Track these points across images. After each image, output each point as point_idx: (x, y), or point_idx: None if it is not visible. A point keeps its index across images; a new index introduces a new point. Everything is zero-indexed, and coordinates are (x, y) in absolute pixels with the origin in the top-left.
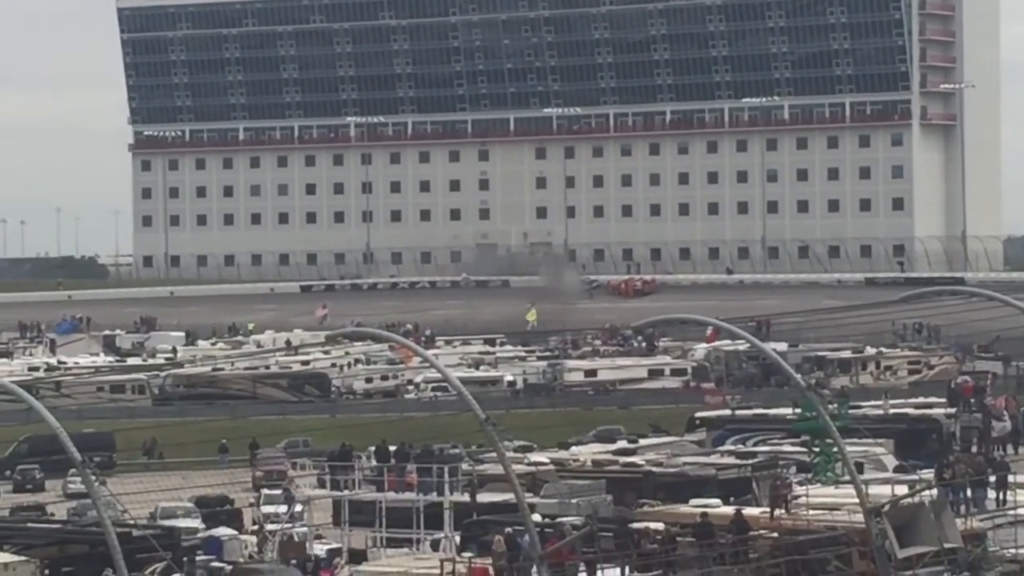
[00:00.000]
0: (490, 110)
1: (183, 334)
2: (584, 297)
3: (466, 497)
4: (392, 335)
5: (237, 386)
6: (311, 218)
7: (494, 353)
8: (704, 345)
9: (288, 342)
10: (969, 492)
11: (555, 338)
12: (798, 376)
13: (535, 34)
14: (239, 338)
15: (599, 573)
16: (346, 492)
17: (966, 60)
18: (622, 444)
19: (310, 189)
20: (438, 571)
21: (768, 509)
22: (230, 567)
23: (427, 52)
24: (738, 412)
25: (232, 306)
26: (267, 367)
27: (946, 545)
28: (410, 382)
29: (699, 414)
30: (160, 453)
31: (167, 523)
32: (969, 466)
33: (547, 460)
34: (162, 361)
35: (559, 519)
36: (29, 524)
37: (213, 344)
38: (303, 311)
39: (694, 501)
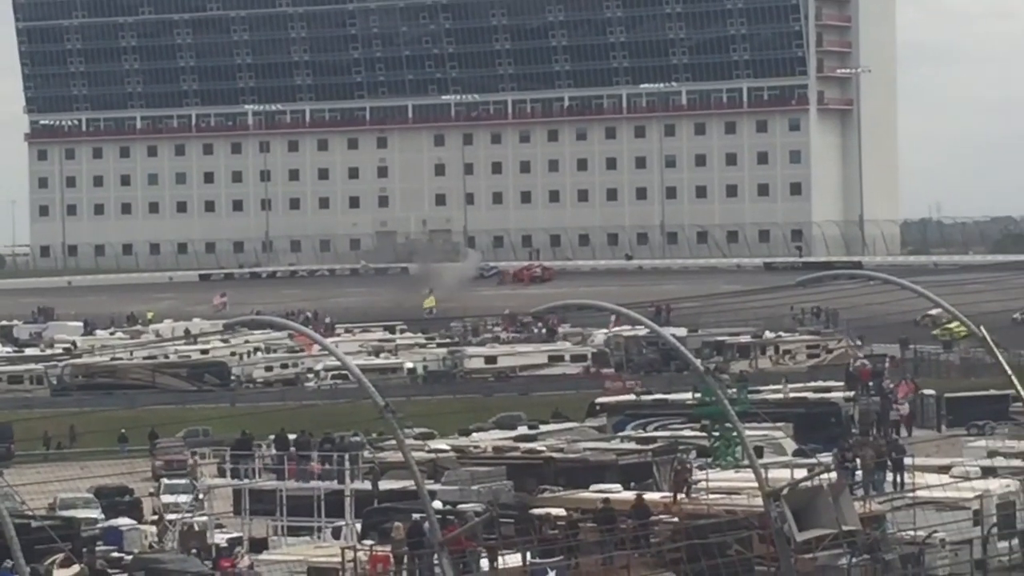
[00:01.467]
0: (388, 97)
1: (81, 324)
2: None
3: (367, 485)
4: (291, 323)
5: (136, 376)
6: (209, 207)
7: (394, 340)
8: (604, 331)
9: (187, 331)
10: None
11: (455, 325)
12: (697, 361)
13: (433, 21)
14: (138, 327)
15: (500, 559)
16: (246, 481)
17: (862, 45)
18: (523, 430)
19: (208, 177)
20: (339, 559)
21: (669, 494)
22: (130, 557)
23: (324, 39)
24: (632, 396)
25: (130, 295)
26: (166, 356)
27: (844, 528)
28: (310, 370)
29: (599, 400)
30: (59, 443)
31: (66, 514)
32: (874, 450)
33: (448, 447)
34: (60, 351)
35: (460, 506)
36: None
37: (112, 334)
38: (202, 300)
39: (595, 487)
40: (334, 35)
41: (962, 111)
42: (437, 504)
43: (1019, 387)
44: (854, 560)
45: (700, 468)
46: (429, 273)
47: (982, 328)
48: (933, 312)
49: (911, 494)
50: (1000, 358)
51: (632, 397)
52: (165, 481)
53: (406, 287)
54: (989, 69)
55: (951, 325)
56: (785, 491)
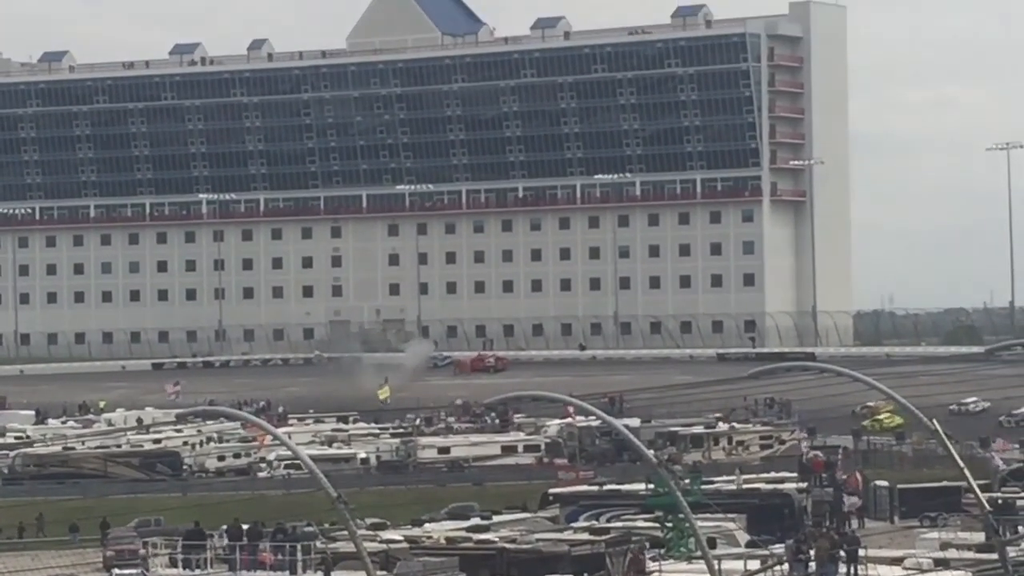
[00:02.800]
0: (342, 187)
1: (33, 413)
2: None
3: (320, 575)
4: (243, 413)
5: (89, 465)
6: (163, 295)
7: (347, 430)
8: (557, 421)
9: (139, 420)
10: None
11: (410, 415)
12: (649, 452)
13: (387, 111)
14: (90, 416)
15: None
16: (198, 571)
17: (815, 136)
18: (476, 521)
19: (162, 266)
20: None
21: None
22: None
23: (279, 129)
24: (592, 487)
25: (83, 384)
26: (118, 446)
27: None
28: (263, 460)
29: (552, 490)
30: (21, 531)
31: None
32: (828, 542)
33: (401, 538)
34: (12, 440)
35: None
36: None
37: (64, 423)
38: (155, 389)
39: None
40: (288, 124)
41: (915, 202)
42: None
43: (971, 479)
44: None
45: (654, 559)
46: (381, 363)
47: (935, 421)
48: (872, 404)
49: None
50: (952, 450)
51: (596, 488)
52: (116, 572)
53: (360, 377)
54: (940, 160)
55: (881, 416)
56: None
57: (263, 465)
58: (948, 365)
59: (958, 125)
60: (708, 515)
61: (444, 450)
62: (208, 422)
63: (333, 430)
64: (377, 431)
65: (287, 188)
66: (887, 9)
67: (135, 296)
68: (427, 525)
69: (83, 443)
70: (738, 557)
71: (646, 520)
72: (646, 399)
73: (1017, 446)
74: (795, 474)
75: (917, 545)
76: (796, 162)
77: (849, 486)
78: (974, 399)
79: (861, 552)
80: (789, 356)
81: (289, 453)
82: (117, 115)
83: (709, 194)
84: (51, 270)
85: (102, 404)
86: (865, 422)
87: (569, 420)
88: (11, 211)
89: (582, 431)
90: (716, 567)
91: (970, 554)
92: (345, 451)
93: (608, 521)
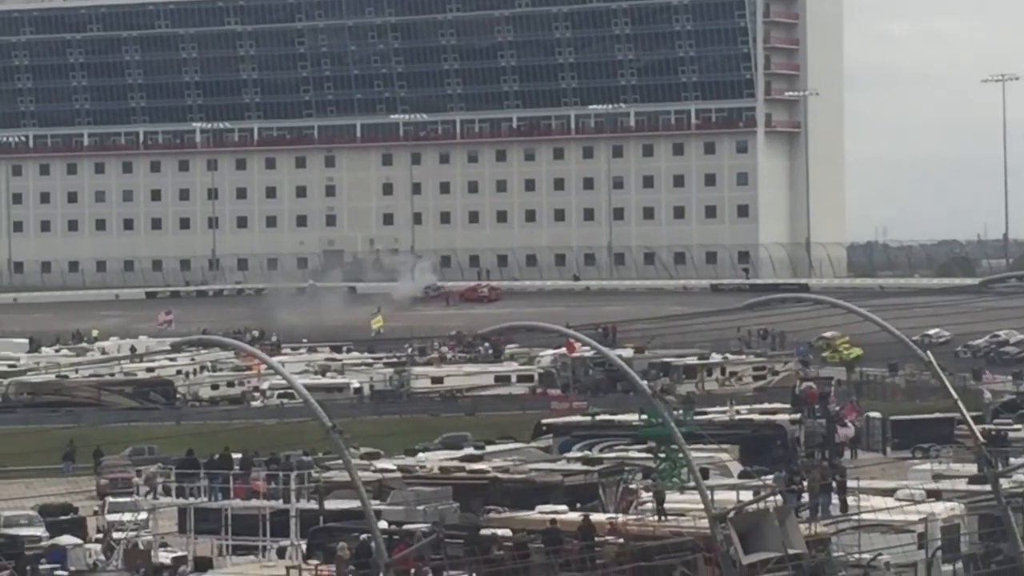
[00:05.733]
0: (336, 116)
1: (27, 341)
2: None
3: (313, 504)
4: (237, 342)
5: (82, 393)
6: (156, 224)
7: (340, 360)
8: (551, 351)
9: (133, 349)
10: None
11: (407, 345)
12: (643, 382)
13: (382, 40)
14: (83, 345)
15: None
16: (192, 500)
17: (810, 68)
18: (469, 451)
19: (155, 195)
20: None
21: (615, 515)
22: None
23: (273, 58)
24: (585, 417)
25: (76, 312)
26: (112, 374)
27: (790, 551)
28: (256, 389)
29: (546, 420)
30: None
31: (10, 532)
32: (820, 473)
33: (394, 467)
34: (5, 368)
35: (406, 526)
36: None
37: (57, 351)
38: (148, 317)
39: (541, 507)
40: (282, 54)
41: (909, 134)
42: (382, 524)
43: (964, 411)
44: None
45: (646, 489)
46: (375, 292)
47: (928, 353)
48: (829, 334)
49: (856, 517)
50: (946, 382)
51: (589, 418)
52: (110, 499)
53: (353, 306)
54: (934, 92)
55: (841, 348)
56: (731, 514)
57: (257, 394)
58: (941, 296)
59: (953, 57)
60: (701, 446)
61: (438, 380)
62: (202, 351)
63: (327, 359)
64: (371, 361)
65: (281, 117)
66: None
67: (129, 225)
68: (421, 455)
69: (77, 371)
70: (731, 488)
71: (639, 451)
72: (640, 330)
73: (1010, 378)
74: (788, 405)
75: (909, 476)
76: (791, 93)
77: (845, 417)
78: (936, 330)
79: (852, 483)
80: (782, 287)
81: (283, 382)
82: (111, 43)
83: (703, 125)
84: (45, 198)
85: (95, 332)
86: (824, 353)
87: (565, 351)
88: (5, 139)
89: (575, 361)
90: (709, 497)
91: (962, 485)
92: (339, 380)
93: (601, 451)
